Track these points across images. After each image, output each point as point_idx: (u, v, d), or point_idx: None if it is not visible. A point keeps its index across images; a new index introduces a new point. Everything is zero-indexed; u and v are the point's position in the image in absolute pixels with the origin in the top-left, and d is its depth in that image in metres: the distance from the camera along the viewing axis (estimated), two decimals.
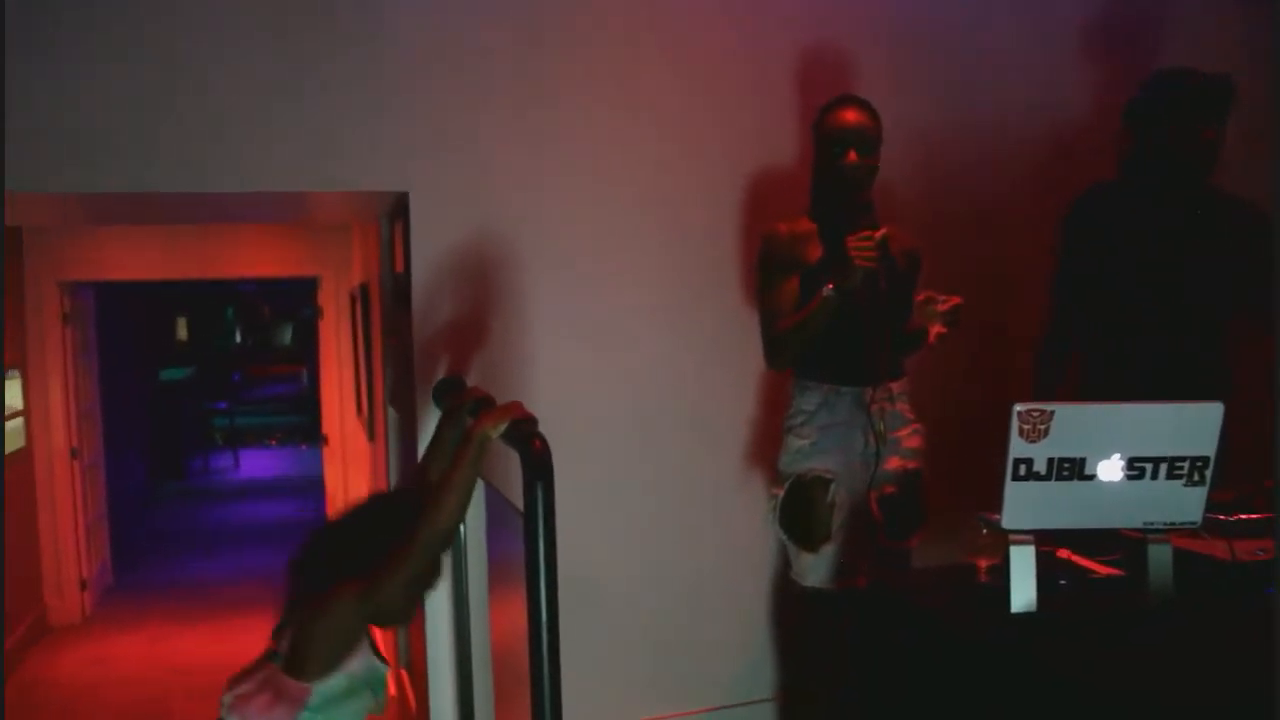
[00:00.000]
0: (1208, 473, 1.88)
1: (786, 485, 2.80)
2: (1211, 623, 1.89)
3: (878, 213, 2.75)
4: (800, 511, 2.77)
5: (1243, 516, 2.22)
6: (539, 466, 1.77)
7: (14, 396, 5.32)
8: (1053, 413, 1.82)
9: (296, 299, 12.68)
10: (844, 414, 2.77)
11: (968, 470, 2.99)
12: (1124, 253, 2.81)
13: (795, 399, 2.85)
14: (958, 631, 1.96)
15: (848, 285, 2.59)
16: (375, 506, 1.96)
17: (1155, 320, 2.78)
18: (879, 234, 2.60)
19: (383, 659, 1.91)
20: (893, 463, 2.79)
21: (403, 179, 2.86)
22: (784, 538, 2.84)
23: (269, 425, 13.63)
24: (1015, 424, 1.82)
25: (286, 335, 14.50)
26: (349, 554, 1.82)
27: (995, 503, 1.98)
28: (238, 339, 14.61)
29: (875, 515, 2.76)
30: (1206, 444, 1.86)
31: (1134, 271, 2.80)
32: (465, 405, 2.17)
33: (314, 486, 7.75)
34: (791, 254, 2.77)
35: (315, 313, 6.58)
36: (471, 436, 1.89)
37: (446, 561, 2.02)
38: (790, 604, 3.08)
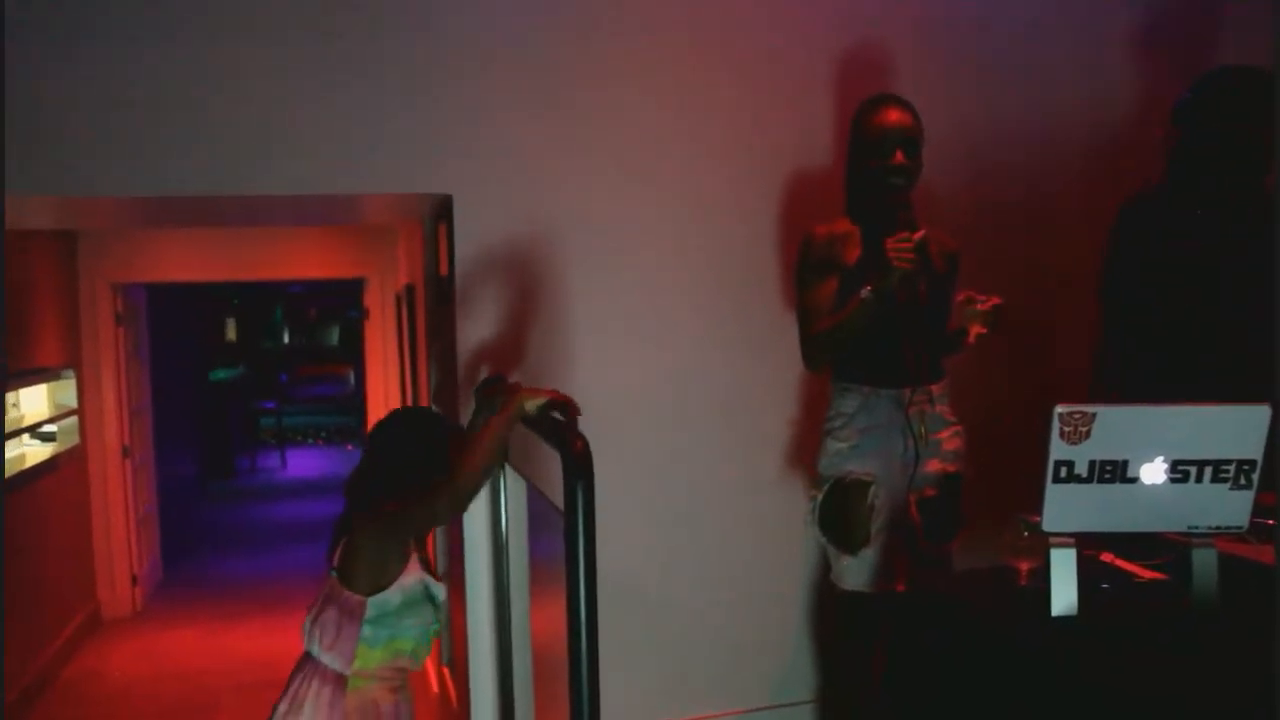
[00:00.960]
0: (1254, 476, 1.85)
1: (826, 488, 2.79)
2: (1256, 628, 1.86)
3: (917, 213, 2.73)
4: (839, 514, 2.76)
5: None
6: (580, 466, 1.79)
7: (68, 395, 5.44)
8: (1095, 415, 1.80)
9: (344, 300, 12.83)
10: (883, 416, 2.75)
11: (1009, 472, 2.97)
12: (1173, 265, 2.76)
13: (834, 401, 2.84)
14: (997, 635, 1.95)
15: (885, 287, 2.58)
16: (418, 437, 2.18)
17: (1207, 329, 2.74)
18: (918, 235, 2.58)
19: (437, 578, 2.13)
20: (933, 465, 2.78)
21: (446, 181, 2.89)
22: (823, 540, 2.83)
23: (316, 425, 13.78)
24: (1056, 426, 1.81)
25: (333, 336, 14.66)
26: (390, 479, 2.09)
27: (1036, 505, 1.97)
28: (286, 339, 14.80)
29: (914, 518, 2.75)
30: (1253, 447, 1.83)
31: (1183, 282, 2.76)
32: (501, 390, 2.28)
33: None
34: (830, 255, 2.76)
35: (362, 314, 6.66)
36: (510, 404, 2.08)
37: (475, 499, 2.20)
38: (829, 606, 3.07)
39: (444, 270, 3.07)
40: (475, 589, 2.64)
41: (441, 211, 3.06)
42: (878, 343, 2.70)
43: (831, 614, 3.06)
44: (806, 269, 2.80)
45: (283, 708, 2.05)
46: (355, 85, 2.84)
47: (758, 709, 3.28)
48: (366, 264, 6.36)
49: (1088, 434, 1.81)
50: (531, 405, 2.08)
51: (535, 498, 2.50)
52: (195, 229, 5.80)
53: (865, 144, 2.73)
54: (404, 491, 2.04)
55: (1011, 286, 2.86)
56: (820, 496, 2.80)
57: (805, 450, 3.14)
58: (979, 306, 2.75)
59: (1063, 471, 1.83)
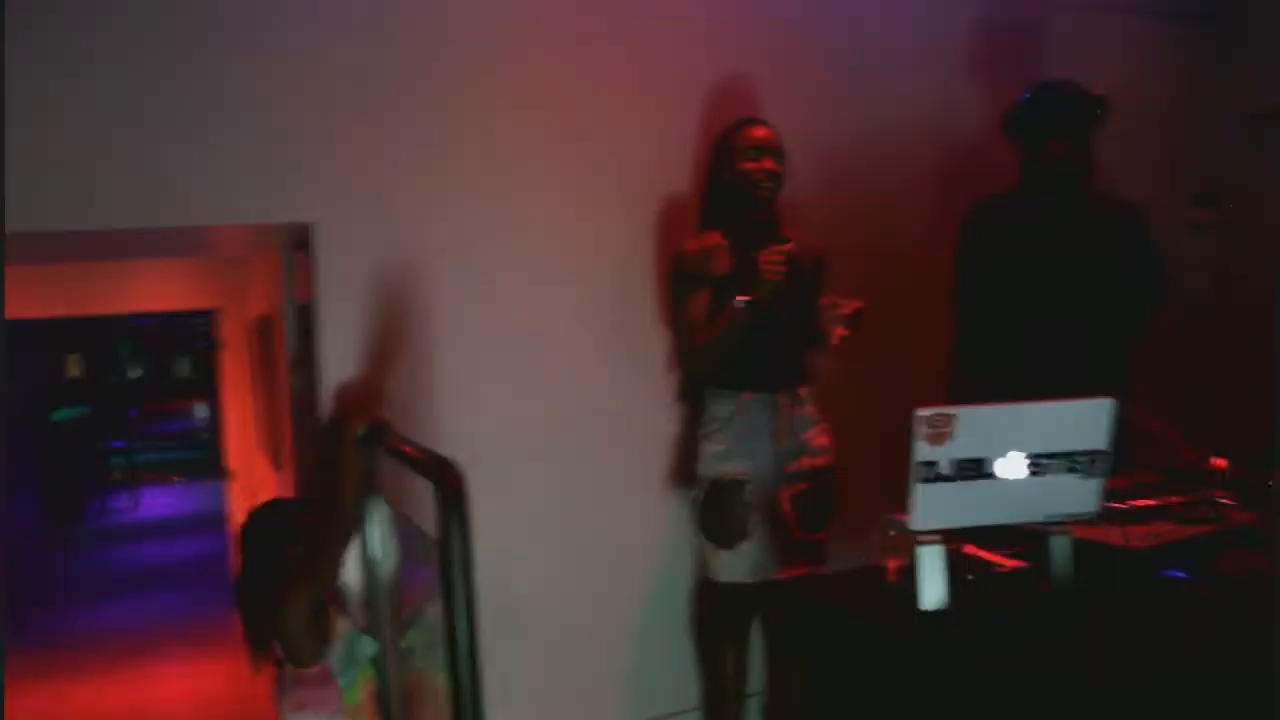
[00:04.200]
0: (1103, 465, 1.95)
1: (704, 488, 2.89)
2: (1112, 606, 1.96)
3: (783, 222, 2.87)
4: (717, 513, 2.87)
5: (1136, 504, 2.32)
6: (453, 496, 1.75)
7: None
8: (955, 416, 1.87)
9: (194, 331, 12.31)
10: (755, 418, 2.87)
11: (871, 469, 3.10)
12: (1021, 255, 2.93)
13: (708, 406, 2.93)
14: (873, 632, 2.01)
15: (759, 297, 2.71)
16: (284, 516, 2.39)
17: (1055, 318, 2.90)
18: (787, 247, 2.71)
19: (360, 630, 2.35)
20: (803, 461, 2.90)
21: (306, 210, 2.81)
22: (701, 539, 2.93)
23: (168, 461, 13.20)
24: (918, 428, 1.87)
25: (185, 369, 14.06)
26: (279, 560, 2.26)
27: (901, 502, 2.04)
28: (134, 374, 14.10)
29: (787, 512, 2.86)
30: (1101, 438, 1.93)
31: (1031, 272, 2.92)
32: (335, 423, 2.42)
33: (215, 522, 7.55)
34: (701, 268, 2.86)
35: (215, 345, 6.41)
36: (345, 441, 2.27)
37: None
38: (709, 606, 3.14)
39: (305, 297, 2.98)
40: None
41: (300, 240, 2.97)
42: (750, 348, 2.80)
43: (709, 611, 3.13)
44: (679, 282, 2.90)
45: None
46: (206, 114, 2.71)
47: None
48: (220, 294, 6.11)
49: (950, 434, 1.88)
50: (358, 431, 2.29)
51: (409, 532, 2.46)
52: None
53: (737, 152, 2.87)
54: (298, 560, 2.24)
55: (869, 292, 2.97)
56: (699, 497, 2.90)
57: (683, 456, 3.20)
58: (840, 310, 2.86)
59: (928, 472, 1.90)
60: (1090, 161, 2.95)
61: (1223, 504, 2.32)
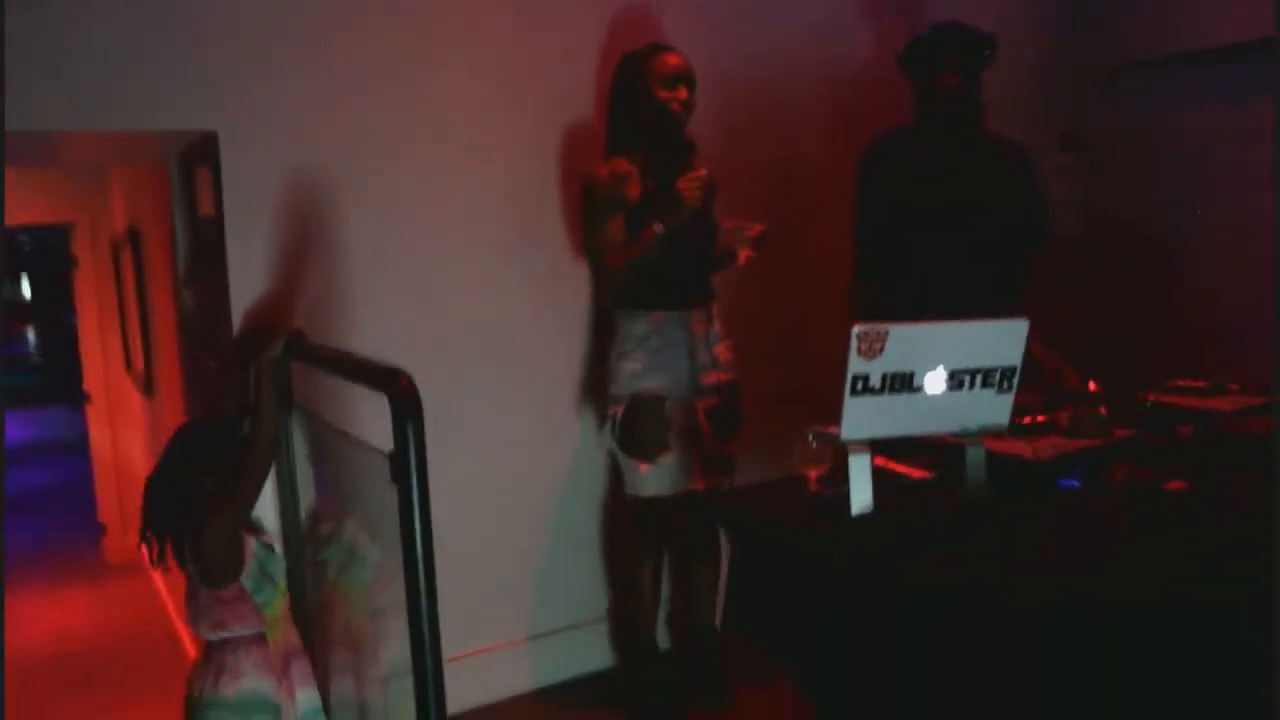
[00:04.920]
0: (1014, 381, 2.09)
1: (624, 405, 2.96)
2: (1022, 513, 2.11)
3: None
4: (637, 428, 2.95)
5: (1036, 419, 2.49)
6: (408, 405, 1.75)
7: None
8: (887, 332, 1.96)
9: (37, 249, 11.51)
10: (670, 336, 2.96)
11: (767, 385, 3.24)
12: (918, 189, 3.05)
13: (623, 327, 2.99)
14: (803, 536, 2.10)
15: (679, 222, 2.77)
16: (204, 437, 2.44)
17: (953, 255, 3.04)
18: (703, 173, 2.78)
19: (262, 531, 2.47)
20: (714, 376, 3.01)
21: (212, 117, 2.68)
22: (621, 454, 3.01)
23: (17, 386, 12.45)
24: (854, 344, 1.95)
25: (21, 291, 13.20)
26: (195, 483, 2.33)
27: (819, 417, 2.15)
28: None
29: (703, 425, 2.96)
30: (1014, 356, 2.06)
31: (929, 206, 3.04)
32: (249, 342, 2.54)
33: (74, 448, 7.19)
34: (614, 194, 2.90)
35: (69, 263, 6.03)
36: (261, 365, 2.39)
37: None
38: (624, 519, 3.24)
39: (206, 210, 2.85)
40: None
41: (199, 150, 2.84)
42: (663, 270, 2.86)
43: (627, 525, 3.22)
44: (595, 208, 2.93)
45: (208, 682, 2.29)
46: (99, 14, 2.54)
47: (554, 631, 3.37)
48: (73, 208, 5.74)
49: (881, 350, 1.97)
50: (277, 350, 2.41)
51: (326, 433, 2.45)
52: None
53: (654, 80, 2.90)
54: (220, 487, 2.32)
55: (765, 215, 3.08)
56: (619, 413, 2.97)
57: (595, 379, 3.25)
58: (747, 233, 2.97)
59: (859, 384, 1.99)
60: (980, 101, 3.09)
61: (1105, 420, 2.51)
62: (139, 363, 4.98)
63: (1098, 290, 4.32)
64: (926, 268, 3.03)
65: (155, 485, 2.35)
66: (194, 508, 2.29)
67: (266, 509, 2.55)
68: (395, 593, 1.80)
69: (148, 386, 4.79)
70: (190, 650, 3.93)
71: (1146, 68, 4.31)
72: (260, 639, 2.34)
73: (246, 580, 2.32)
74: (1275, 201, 3.10)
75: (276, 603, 2.38)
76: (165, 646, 4.24)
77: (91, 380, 6.08)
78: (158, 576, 4.88)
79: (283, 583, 2.42)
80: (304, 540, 2.59)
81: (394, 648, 1.95)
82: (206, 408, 3.13)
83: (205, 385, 3.14)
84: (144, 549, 2.35)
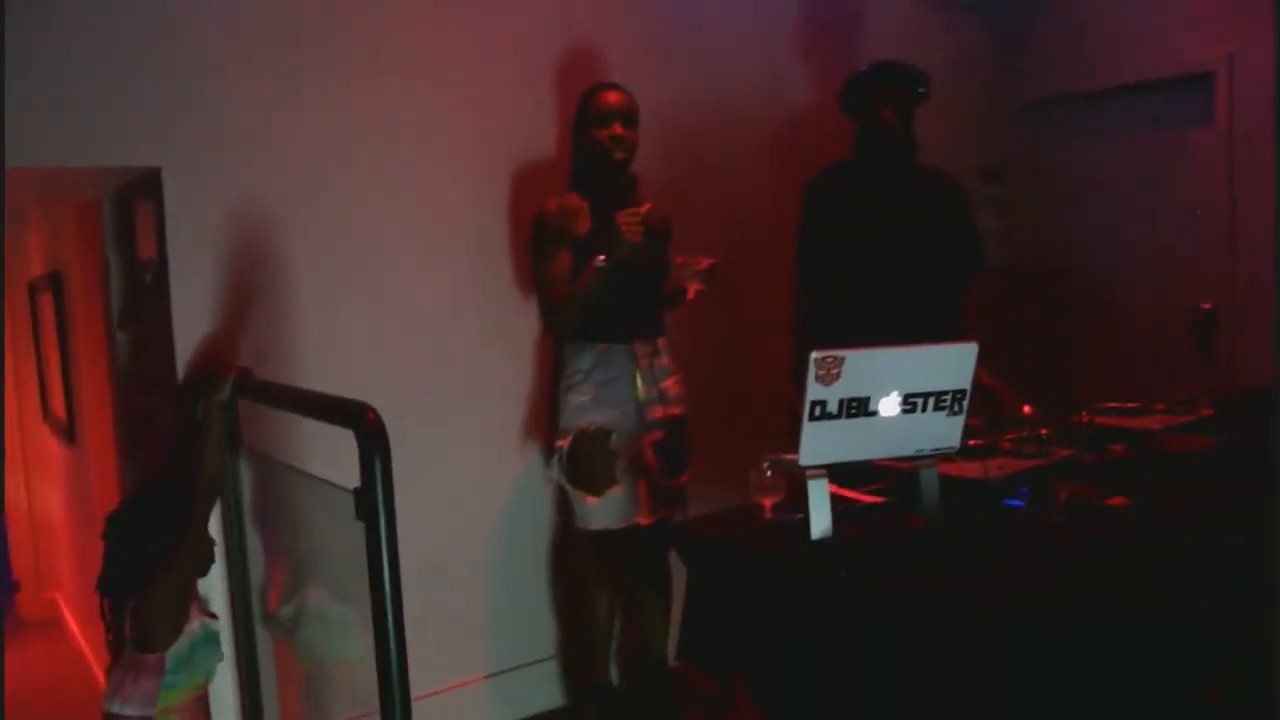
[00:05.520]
0: (965, 403, 2.15)
1: (570, 438, 2.97)
2: (975, 532, 2.16)
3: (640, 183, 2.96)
4: (585, 462, 2.96)
5: (981, 441, 2.56)
6: (375, 440, 1.74)
7: None
8: (844, 359, 2.01)
9: None
10: (616, 370, 2.98)
11: (716, 417, 3.28)
12: (863, 227, 3.13)
13: (570, 360, 3.01)
14: (764, 563, 2.12)
15: (618, 256, 2.81)
16: (151, 501, 2.41)
17: (896, 286, 3.12)
18: (644, 209, 2.83)
19: (212, 616, 2.41)
20: (661, 410, 3.03)
21: (154, 153, 2.63)
22: (569, 487, 3.01)
23: None
24: (812, 370, 1.99)
25: None
26: (146, 544, 2.30)
27: (770, 446, 2.18)
28: None
29: (649, 459, 2.98)
30: (965, 379, 2.12)
31: (873, 243, 3.12)
32: (195, 386, 2.51)
33: None
34: (562, 228, 2.94)
35: None
36: (209, 409, 2.37)
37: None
38: (574, 553, 3.25)
39: (147, 252, 2.79)
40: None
41: (141, 187, 2.78)
42: (609, 303, 2.90)
43: (577, 559, 3.22)
44: (542, 241, 2.97)
45: None
46: (42, 51, 2.48)
47: (504, 671, 3.32)
48: None
49: (839, 375, 2.01)
50: (225, 393, 2.38)
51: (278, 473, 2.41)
52: None
53: (590, 118, 2.95)
54: (163, 549, 2.27)
55: (712, 251, 3.12)
56: (566, 447, 2.98)
57: (543, 412, 3.25)
58: (697, 267, 3.01)
59: (817, 410, 2.02)
60: (914, 136, 3.19)
61: (1046, 440, 2.59)
62: (59, 409, 4.81)
63: (1022, 317, 4.48)
64: (869, 296, 3.11)
65: (110, 543, 2.33)
66: (140, 568, 2.26)
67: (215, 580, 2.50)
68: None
69: (69, 434, 4.63)
70: None
71: (1064, 102, 4.51)
72: None
73: (170, 657, 2.26)
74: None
75: (180, 693, 2.29)
76: (87, 705, 4.07)
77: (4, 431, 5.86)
78: (76, 633, 4.70)
79: (201, 677, 2.35)
80: (266, 619, 2.53)
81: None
82: (143, 452, 3.04)
83: (142, 430, 3.05)
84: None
